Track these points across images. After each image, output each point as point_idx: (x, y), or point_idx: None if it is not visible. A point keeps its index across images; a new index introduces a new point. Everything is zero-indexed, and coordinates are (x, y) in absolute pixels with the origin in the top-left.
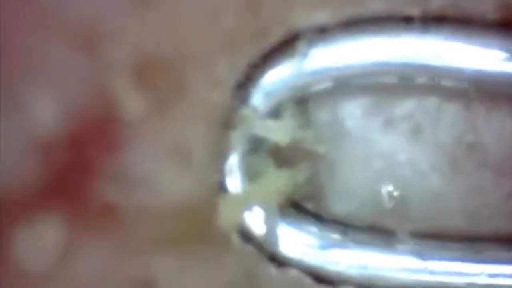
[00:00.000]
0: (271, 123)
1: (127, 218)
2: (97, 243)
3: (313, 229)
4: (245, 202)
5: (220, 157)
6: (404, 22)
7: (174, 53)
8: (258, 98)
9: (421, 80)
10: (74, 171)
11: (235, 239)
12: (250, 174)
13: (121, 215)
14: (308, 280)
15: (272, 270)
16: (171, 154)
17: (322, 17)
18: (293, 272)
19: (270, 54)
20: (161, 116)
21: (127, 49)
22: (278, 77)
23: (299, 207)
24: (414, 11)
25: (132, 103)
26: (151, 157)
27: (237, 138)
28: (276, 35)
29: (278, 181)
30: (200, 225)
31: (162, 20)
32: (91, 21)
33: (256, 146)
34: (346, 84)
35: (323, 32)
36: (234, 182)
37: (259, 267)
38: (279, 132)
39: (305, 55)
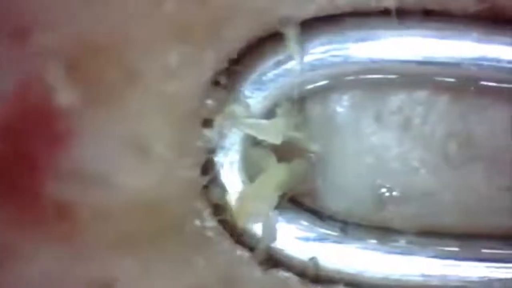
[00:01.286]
0: (263, 122)
1: (82, 217)
2: (49, 245)
3: (310, 225)
4: (253, 198)
5: (188, 153)
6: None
7: (118, 40)
8: (251, 96)
9: (414, 75)
10: (16, 166)
11: (208, 239)
12: (250, 170)
13: (75, 214)
14: (294, 282)
15: (253, 272)
16: (127, 148)
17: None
18: (279, 274)
19: (256, 50)
20: (110, 107)
21: (63, 36)
22: (273, 75)
23: (295, 203)
24: (390, 3)
25: (68, 92)
26: (104, 152)
27: (212, 135)
28: (238, 26)
29: (280, 175)
30: (166, 225)
31: (102, 5)
32: (24, 8)
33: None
34: (338, 81)
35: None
36: (235, 179)
37: (237, 269)
38: (271, 132)
39: (292, 52)
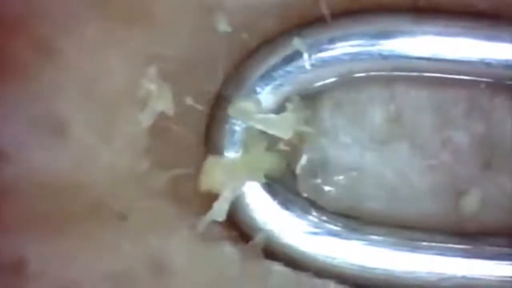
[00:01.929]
0: (273, 117)
1: None
2: None
3: (319, 221)
4: (222, 170)
5: (115, 136)
6: None
7: (31, 13)
8: (261, 91)
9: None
10: None
11: (136, 224)
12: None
13: None
14: (231, 263)
15: (184, 257)
16: (41, 127)
17: None
18: (212, 257)
19: (266, 46)
20: (22, 83)
21: None
22: (284, 71)
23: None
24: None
25: None
26: (15, 129)
27: (144, 118)
28: (163, 5)
29: (266, 161)
30: (87, 208)
31: None
32: None
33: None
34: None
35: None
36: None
37: (167, 255)
38: (281, 126)
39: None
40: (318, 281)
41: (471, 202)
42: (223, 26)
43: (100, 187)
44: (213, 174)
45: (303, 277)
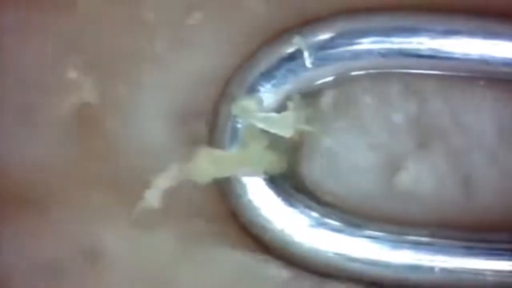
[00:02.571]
0: (274, 115)
1: None
2: None
3: (320, 216)
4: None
5: (39, 123)
6: None
7: None
8: (263, 90)
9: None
10: None
11: (72, 213)
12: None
13: None
14: (171, 249)
15: (119, 247)
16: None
17: None
18: (146, 246)
19: (268, 45)
20: None
21: None
22: (285, 70)
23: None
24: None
25: None
26: None
27: (67, 107)
28: None
29: (262, 158)
30: (16, 194)
31: None
32: None
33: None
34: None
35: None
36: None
37: (99, 241)
38: (282, 125)
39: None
40: (269, 269)
41: (405, 181)
42: (149, 16)
43: (30, 175)
44: (201, 164)
45: (251, 263)
